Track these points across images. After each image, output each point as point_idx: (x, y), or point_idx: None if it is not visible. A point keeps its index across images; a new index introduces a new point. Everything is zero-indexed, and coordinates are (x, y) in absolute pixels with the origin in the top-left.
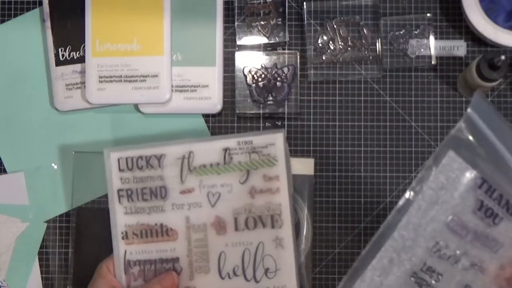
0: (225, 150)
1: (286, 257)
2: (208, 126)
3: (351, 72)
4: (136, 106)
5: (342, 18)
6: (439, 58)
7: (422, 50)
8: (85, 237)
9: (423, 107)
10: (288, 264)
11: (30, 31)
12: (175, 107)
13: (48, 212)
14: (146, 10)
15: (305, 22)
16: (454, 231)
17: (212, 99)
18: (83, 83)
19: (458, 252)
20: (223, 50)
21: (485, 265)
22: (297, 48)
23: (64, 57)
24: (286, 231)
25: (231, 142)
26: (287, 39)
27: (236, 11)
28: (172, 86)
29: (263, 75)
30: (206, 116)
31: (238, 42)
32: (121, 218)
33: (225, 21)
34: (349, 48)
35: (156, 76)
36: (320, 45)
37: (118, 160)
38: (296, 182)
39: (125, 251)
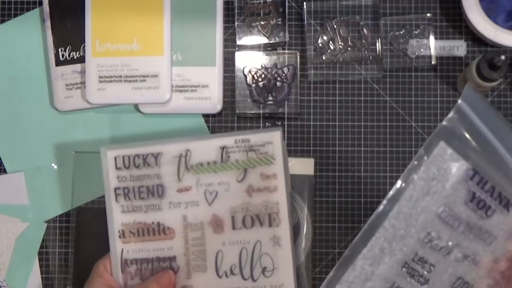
0: (222, 148)
1: (283, 255)
2: (208, 126)
3: (351, 72)
4: (136, 106)
5: (342, 18)
6: (439, 58)
7: (422, 50)
8: (85, 237)
9: (423, 107)
10: (285, 263)
11: (30, 31)
12: (175, 107)
13: (48, 212)
14: (146, 10)
15: (305, 22)
16: (446, 222)
17: (212, 99)
18: (83, 83)
19: (450, 243)
20: (223, 50)
21: (478, 257)
22: (297, 48)
23: (64, 57)
24: (284, 230)
25: (228, 140)
26: (287, 39)
27: (236, 11)
28: (172, 86)
29: (263, 75)
30: (206, 116)
31: (238, 42)
32: (118, 216)
33: (225, 21)
34: (349, 48)
35: (156, 76)
36: (320, 45)
37: (115, 158)
38: (296, 182)
39: (122, 250)
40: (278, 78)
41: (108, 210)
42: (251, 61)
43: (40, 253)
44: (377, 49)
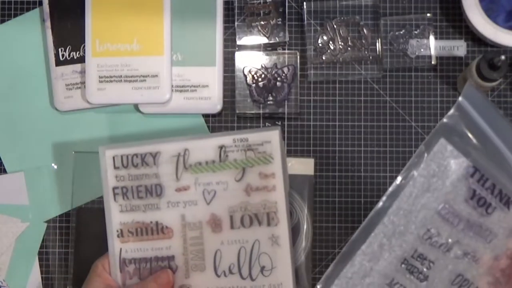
0: (221, 147)
1: (282, 255)
2: (208, 126)
3: (351, 72)
4: (136, 106)
5: (342, 18)
6: (439, 58)
7: (422, 50)
8: (85, 237)
9: (423, 107)
10: (284, 262)
11: (30, 31)
12: (175, 107)
13: (48, 212)
14: (146, 10)
15: (305, 22)
16: (446, 219)
17: (212, 99)
18: (83, 83)
19: (450, 240)
20: (223, 50)
21: (479, 254)
22: (297, 48)
23: (64, 57)
24: (282, 229)
25: (226, 139)
26: (287, 39)
27: (236, 11)
28: (172, 86)
29: (263, 75)
30: (206, 116)
31: (238, 42)
32: (116, 216)
33: (225, 21)
34: (349, 48)
35: (156, 76)
36: (320, 45)
37: (113, 158)
38: (296, 182)
39: (121, 249)
40: (278, 78)
41: (106, 209)
42: (251, 61)
43: (40, 253)
44: (377, 49)
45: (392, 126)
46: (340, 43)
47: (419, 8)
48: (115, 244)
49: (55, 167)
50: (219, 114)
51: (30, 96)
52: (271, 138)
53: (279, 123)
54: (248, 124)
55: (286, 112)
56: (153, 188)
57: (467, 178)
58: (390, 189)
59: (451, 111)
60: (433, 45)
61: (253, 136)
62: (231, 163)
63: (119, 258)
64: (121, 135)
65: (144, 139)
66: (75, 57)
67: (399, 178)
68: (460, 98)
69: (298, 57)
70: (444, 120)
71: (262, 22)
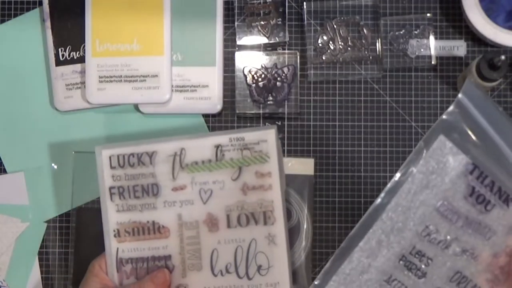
0: (217, 146)
1: (278, 254)
2: (208, 126)
3: (351, 72)
4: (136, 106)
5: (342, 18)
6: (439, 58)
7: (422, 50)
8: (85, 237)
9: (423, 107)
10: (281, 261)
11: (30, 31)
12: (175, 107)
13: (48, 212)
14: (146, 10)
15: (305, 22)
16: (445, 216)
17: (212, 99)
18: (83, 83)
19: (448, 237)
20: (223, 50)
21: (477, 252)
22: (297, 48)
23: (64, 57)
24: (279, 228)
25: (223, 138)
26: (287, 39)
27: (236, 11)
28: (172, 86)
29: (263, 75)
30: (206, 116)
31: (238, 42)
32: (113, 215)
33: (225, 21)
34: (349, 48)
35: (156, 76)
36: (320, 45)
37: (110, 157)
38: (296, 182)
39: (117, 249)
40: (278, 78)
41: (103, 209)
42: (251, 61)
43: (40, 253)
44: (377, 49)
45: (392, 126)
46: (340, 43)
47: (419, 8)
48: (112, 244)
49: (55, 167)
50: (219, 114)
51: (30, 96)
52: (267, 137)
53: (279, 123)
54: (248, 124)
55: (286, 112)
56: (150, 187)
57: (466, 175)
58: (389, 185)
59: (451, 108)
60: (433, 45)
61: (249, 135)
62: (227, 162)
63: (116, 258)
64: (121, 135)
65: (144, 139)
66: (75, 57)
67: (397, 175)
68: (459, 95)
69: (298, 57)
70: (444, 116)
71: (262, 22)
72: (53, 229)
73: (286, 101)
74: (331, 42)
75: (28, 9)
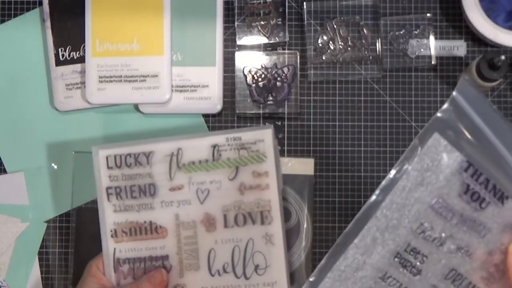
0: (214, 146)
1: (276, 253)
2: (208, 126)
3: (351, 72)
4: (136, 106)
5: (342, 18)
6: (439, 58)
7: (422, 50)
8: (85, 237)
9: (423, 107)
10: (278, 261)
11: (30, 31)
12: (175, 107)
13: (48, 212)
14: (146, 10)
15: (305, 22)
16: (439, 213)
17: (212, 99)
18: (83, 83)
19: (443, 234)
20: (223, 50)
21: (472, 249)
22: (297, 48)
23: (64, 57)
24: (276, 228)
25: (219, 138)
26: (287, 39)
27: (236, 11)
28: (172, 86)
29: (263, 75)
30: (206, 116)
31: (238, 42)
32: (110, 216)
33: (225, 21)
34: (349, 48)
35: (156, 76)
36: (320, 45)
37: (107, 157)
38: (296, 182)
39: (115, 249)
40: (278, 78)
41: (100, 209)
42: (251, 61)
43: (40, 253)
44: (377, 49)
45: (392, 126)
46: (340, 43)
47: (419, 8)
48: (109, 244)
49: (55, 167)
50: (219, 114)
51: (30, 96)
52: (264, 137)
53: (279, 123)
54: (248, 124)
55: (286, 112)
56: (147, 187)
57: (460, 173)
58: (384, 182)
59: (445, 106)
60: (433, 45)
61: (246, 135)
62: (224, 162)
63: (113, 258)
64: (121, 135)
65: (141, 140)
66: (75, 57)
67: (392, 172)
68: (454, 93)
69: (298, 57)
70: (438, 114)
71: (262, 22)
72: (53, 229)
73: (286, 101)
74: (331, 42)
75: (28, 9)
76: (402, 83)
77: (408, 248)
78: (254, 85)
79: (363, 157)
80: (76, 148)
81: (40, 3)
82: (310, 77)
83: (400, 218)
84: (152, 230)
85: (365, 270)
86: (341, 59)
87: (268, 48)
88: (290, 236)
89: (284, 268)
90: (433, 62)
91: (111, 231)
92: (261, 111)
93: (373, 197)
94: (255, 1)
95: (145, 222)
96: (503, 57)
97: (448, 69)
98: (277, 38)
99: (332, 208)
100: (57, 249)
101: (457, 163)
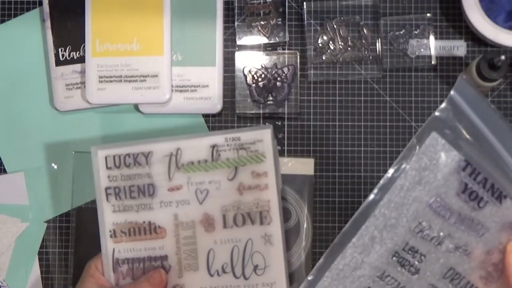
0: (213, 147)
1: (275, 253)
2: (208, 126)
3: (351, 72)
4: (136, 106)
5: (342, 18)
6: (439, 58)
7: (422, 50)
8: (85, 237)
9: (423, 107)
10: (277, 261)
11: (30, 31)
12: (175, 107)
13: (48, 212)
14: (146, 10)
15: (305, 22)
16: (437, 212)
17: (212, 99)
18: (83, 83)
19: (441, 234)
20: (223, 50)
21: (470, 248)
22: (297, 48)
23: (64, 57)
24: (275, 228)
25: (218, 138)
26: (287, 39)
27: (236, 11)
28: (172, 86)
29: (263, 75)
30: (206, 116)
31: (238, 42)
32: (109, 216)
33: (225, 21)
34: (349, 48)
35: (156, 76)
36: (320, 45)
37: (106, 158)
38: (296, 182)
39: (114, 250)
40: (278, 78)
41: (99, 210)
42: (251, 61)
43: (40, 253)
44: (377, 49)
45: (392, 126)
46: (340, 43)
47: (419, 8)
48: (108, 245)
49: (55, 167)
50: (219, 114)
51: (30, 96)
52: (263, 137)
53: (279, 123)
54: (248, 124)
55: (286, 112)
56: (146, 188)
57: (458, 172)
58: (382, 181)
59: (443, 105)
60: (433, 45)
61: (245, 135)
62: (223, 162)
63: (112, 258)
64: (121, 135)
65: (140, 140)
66: (75, 57)
67: (390, 171)
68: (452, 92)
69: (298, 57)
70: (436, 113)
71: (262, 22)
72: (53, 229)
73: (286, 101)
74: (331, 42)
75: (28, 9)
76: (402, 83)
77: (406, 247)
78: (254, 85)
79: (363, 157)
80: (76, 148)
81: (40, 3)
82: (310, 77)
83: (398, 217)
84: (151, 230)
85: (363, 269)
86: (341, 59)
87: (268, 48)
88: (290, 236)
89: (283, 268)
90: (433, 62)
91: (110, 231)
92: (261, 111)
93: (371, 196)
94: (255, 1)
95: (144, 222)
96: (503, 57)
97: (448, 69)
98: (277, 38)
99: (332, 208)
100: (57, 249)
101: (455, 162)
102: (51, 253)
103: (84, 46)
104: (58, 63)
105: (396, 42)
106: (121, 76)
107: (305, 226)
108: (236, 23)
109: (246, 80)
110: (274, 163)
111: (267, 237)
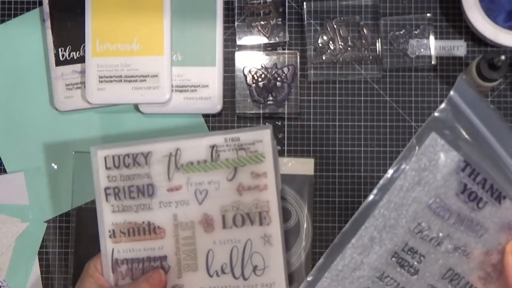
0: (212, 147)
1: (274, 254)
2: (208, 126)
3: (351, 72)
4: (136, 106)
5: (342, 18)
6: (439, 58)
7: (422, 50)
8: (85, 237)
9: (423, 107)
10: (276, 261)
11: (30, 31)
12: (175, 107)
13: (48, 212)
14: (146, 10)
15: (305, 22)
16: (437, 213)
17: (212, 99)
18: (83, 83)
19: (440, 234)
20: (223, 50)
21: (469, 249)
22: (297, 48)
23: (64, 57)
24: (274, 228)
25: (218, 139)
26: (287, 39)
27: (236, 11)
28: (172, 86)
29: (263, 75)
30: (206, 116)
31: (238, 42)
32: (108, 216)
33: (225, 21)
34: (349, 48)
35: (156, 76)
36: (320, 45)
37: (105, 158)
38: (296, 182)
39: (113, 250)
40: (278, 78)
41: (98, 210)
42: (251, 61)
43: (40, 253)
44: (377, 49)
45: (392, 126)
46: (340, 43)
47: (419, 8)
48: (107, 245)
49: (55, 167)
50: (219, 114)
51: (30, 96)
52: (262, 137)
53: (279, 123)
54: (248, 124)
55: (286, 112)
56: (145, 188)
57: (458, 172)
58: (381, 182)
59: (443, 105)
60: (433, 45)
61: (245, 136)
62: (222, 162)
63: (112, 259)
64: (121, 135)
65: (139, 140)
66: (75, 57)
67: (390, 171)
68: (451, 92)
69: (298, 57)
70: (436, 114)
71: (262, 22)
72: (53, 229)
73: (286, 101)
74: (331, 42)
75: (28, 9)
76: (402, 83)
77: (406, 248)
78: (254, 85)
79: (363, 157)
80: (76, 148)
81: (40, 3)
82: (310, 77)
83: (398, 218)
84: (150, 230)
85: (363, 270)
86: (341, 59)
87: (268, 48)
88: (290, 236)
89: (283, 269)
90: (433, 62)
91: (109, 231)
92: (261, 111)
93: (371, 197)
94: (255, 1)
95: (143, 222)
96: (503, 57)
97: (448, 69)
98: (277, 38)
99: (332, 208)
100: (57, 249)
101: (454, 163)
102: (51, 253)
103: (84, 46)
104: (58, 63)
105: (396, 42)
106: (121, 76)
107: (305, 226)
108: (236, 23)
109: (246, 80)
110: (274, 163)
111: (267, 237)
